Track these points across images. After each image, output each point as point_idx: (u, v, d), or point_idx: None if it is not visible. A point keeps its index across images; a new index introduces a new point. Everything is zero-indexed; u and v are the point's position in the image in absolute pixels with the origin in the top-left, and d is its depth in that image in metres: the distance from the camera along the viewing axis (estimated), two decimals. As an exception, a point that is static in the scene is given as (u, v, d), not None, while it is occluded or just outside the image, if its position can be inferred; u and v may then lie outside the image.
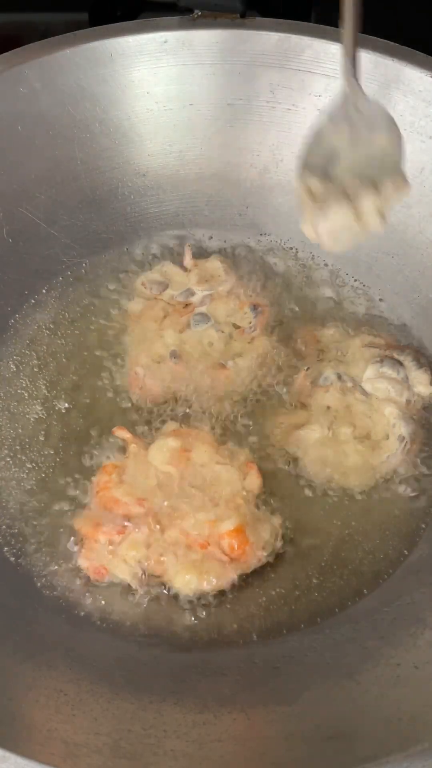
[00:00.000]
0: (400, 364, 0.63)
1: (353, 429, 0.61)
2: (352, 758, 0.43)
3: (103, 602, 0.56)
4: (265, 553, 0.56)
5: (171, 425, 0.62)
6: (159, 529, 0.55)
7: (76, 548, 0.57)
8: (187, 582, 0.54)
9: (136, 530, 0.55)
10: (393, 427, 0.61)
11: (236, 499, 0.56)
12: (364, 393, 0.62)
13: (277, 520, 0.58)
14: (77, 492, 0.60)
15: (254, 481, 0.58)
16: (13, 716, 0.44)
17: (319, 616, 0.55)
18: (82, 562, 0.56)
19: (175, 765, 0.43)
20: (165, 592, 0.56)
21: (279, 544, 0.57)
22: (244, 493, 0.57)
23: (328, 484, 0.61)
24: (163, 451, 0.58)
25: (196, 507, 0.56)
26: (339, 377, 0.63)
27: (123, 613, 0.55)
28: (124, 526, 0.55)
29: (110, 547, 0.55)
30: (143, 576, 0.55)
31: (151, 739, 0.44)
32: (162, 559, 0.55)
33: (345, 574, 0.57)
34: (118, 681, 0.50)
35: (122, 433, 0.61)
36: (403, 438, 0.61)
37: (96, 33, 0.68)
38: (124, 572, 0.55)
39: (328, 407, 0.62)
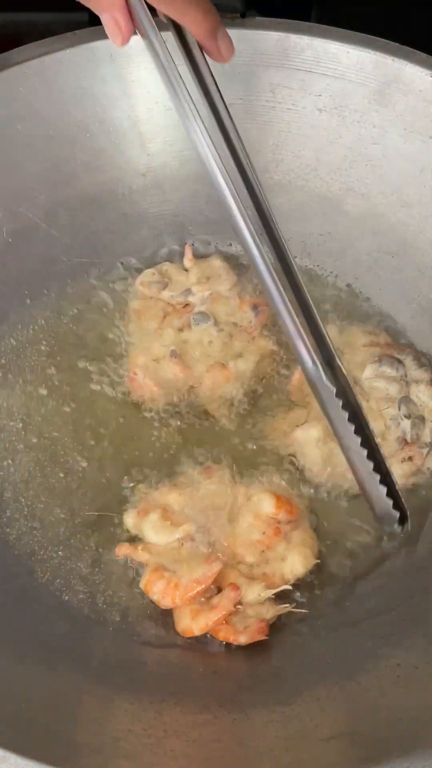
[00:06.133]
0: (399, 362, 0.63)
1: (353, 428, 0.61)
2: (352, 758, 0.43)
3: (103, 602, 0.56)
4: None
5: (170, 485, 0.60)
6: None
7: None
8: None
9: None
10: (389, 428, 0.61)
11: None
12: (363, 393, 0.62)
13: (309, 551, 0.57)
14: (79, 488, 0.60)
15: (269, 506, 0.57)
16: (13, 716, 0.44)
17: (319, 617, 0.55)
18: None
19: (175, 765, 0.43)
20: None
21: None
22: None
23: (327, 483, 0.61)
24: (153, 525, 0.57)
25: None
26: (339, 377, 0.63)
27: (123, 613, 0.55)
28: None
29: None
30: None
31: (151, 739, 0.44)
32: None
33: (344, 574, 0.57)
34: (118, 681, 0.50)
35: (124, 551, 0.57)
36: (402, 438, 0.61)
37: (96, 33, 0.67)
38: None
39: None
